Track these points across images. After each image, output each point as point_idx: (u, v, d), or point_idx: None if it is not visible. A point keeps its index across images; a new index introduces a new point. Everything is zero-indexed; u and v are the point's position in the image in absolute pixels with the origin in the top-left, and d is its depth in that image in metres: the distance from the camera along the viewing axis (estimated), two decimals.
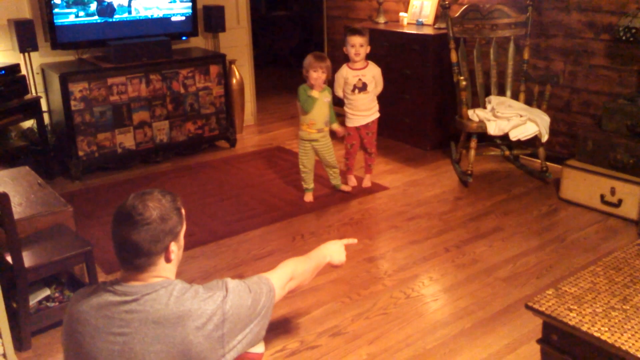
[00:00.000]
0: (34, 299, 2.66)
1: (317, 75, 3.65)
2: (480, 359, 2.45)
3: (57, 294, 2.74)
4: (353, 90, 3.91)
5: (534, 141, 4.08)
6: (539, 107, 4.11)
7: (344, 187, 4.07)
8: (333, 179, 4.04)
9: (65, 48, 4.43)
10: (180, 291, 1.57)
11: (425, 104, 4.77)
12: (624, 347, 1.70)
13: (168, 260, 1.59)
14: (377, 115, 4.03)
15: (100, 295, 1.57)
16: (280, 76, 7.93)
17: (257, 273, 3.07)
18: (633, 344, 1.71)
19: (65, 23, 4.32)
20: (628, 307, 1.88)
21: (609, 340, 1.74)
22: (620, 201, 3.58)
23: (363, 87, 3.90)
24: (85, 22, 4.42)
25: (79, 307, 1.58)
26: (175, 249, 1.60)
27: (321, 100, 3.73)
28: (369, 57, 3.94)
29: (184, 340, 1.51)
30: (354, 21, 5.74)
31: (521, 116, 3.89)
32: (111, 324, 1.53)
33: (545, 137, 3.93)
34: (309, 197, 3.96)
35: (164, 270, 1.59)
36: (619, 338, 1.74)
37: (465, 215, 3.74)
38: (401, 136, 5.03)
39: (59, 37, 4.32)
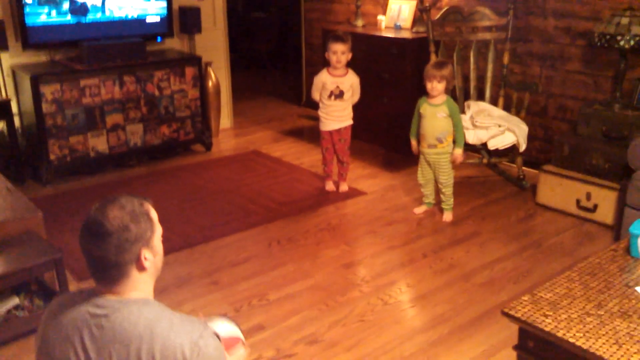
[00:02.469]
0: (2, 308, 2.59)
1: (431, 85, 3.46)
2: None
3: (26, 303, 2.67)
4: (330, 96, 3.89)
5: (512, 149, 4.09)
6: (517, 114, 4.13)
7: (446, 217, 3.71)
8: (442, 202, 3.72)
9: (36, 49, 4.34)
10: (154, 314, 1.49)
11: (403, 108, 4.76)
12: (598, 353, 1.70)
13: (142, 269, 1.51)
14: (350, 122, 4.01)
15: (77, 305, 1.51)
16: (257, 79, 7.88)
17: (233, 279, 3.06)
18: (607, 349, 1.71)
19: (37, 23, 4.23)
20: (603, 313, 1.89)
21: (584, 346, 1.73)
22: (595, 206, 3.61)
23: (340, 95, 3.88)
24: (58, 22, 4.33)
25: (56, 315, 1.53)
26: (150, 256, 1.53)
27: (431, 114, 3.52)
28: (349, 62, 3.93)
29: None
30: (331, 24, 5.72)
31: (500, 126, 3.90)
32: (81, 336, 1.47)
33: (523, 147, 3.94)
34: (419, 209, 3.81)
35: (139, 282, 1.52)
36: (594, 343, 1.74)
37: (443, 220, 3.73)
38: (379, 140, 5.02)
39: (30, 38, 4.23)
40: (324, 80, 3.89)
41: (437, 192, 3.78)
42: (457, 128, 3.57)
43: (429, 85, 3.50)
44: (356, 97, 4.00)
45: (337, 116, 3.94)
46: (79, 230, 1.50)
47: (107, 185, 4.30)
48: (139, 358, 1.43)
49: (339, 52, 3.80)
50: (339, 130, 3.99)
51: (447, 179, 3.65)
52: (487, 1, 4.42)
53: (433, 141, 3.56)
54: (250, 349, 2.48)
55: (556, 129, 4.30)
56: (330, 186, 4.16)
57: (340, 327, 2.68)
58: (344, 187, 4.15)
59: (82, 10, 4.41)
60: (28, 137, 4.41)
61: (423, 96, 3.60)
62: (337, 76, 3.88)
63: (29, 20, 4.19)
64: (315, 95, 3.98)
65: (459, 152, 3.59)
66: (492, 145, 3.90)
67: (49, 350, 1.51)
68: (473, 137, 3.90)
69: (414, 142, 3.72)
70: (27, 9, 4.16)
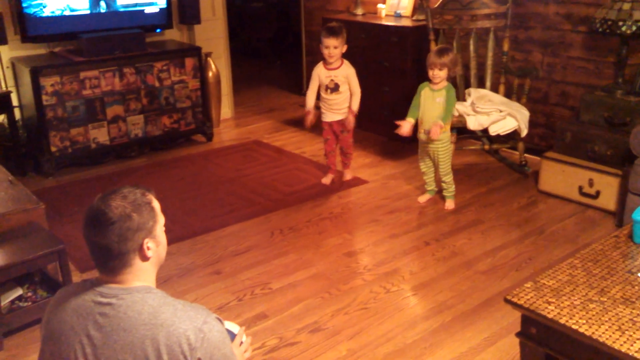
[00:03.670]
0: (6, 299, 2.60)
1: (432, 73, 3.47)
2: (460, 353, 2.44)
3: (29, 294, 2.68)
4: (326, 90, 3.86)
5: (514, 135, 4.09)
6: (518, 100, 4.11)
7: (448, 205, 3.72)
8: (443, 189, 3.74)
9: (36, 41, 4.32)
10: (158, 302, 1.50)
11: (404, 96, 4.74)
12: (601, 339, 1.71)
13: (144, 258, 1.53)
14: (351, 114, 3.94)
15: (81, 294, 1.52)
16: (257, 68, 7.85)
17: (235, 269, 3.06)
18: (610, 336, 1.72)
19: (36, 15, 4.21)
20: (605, 299, 1.89)
21: (587, 333, 1.74)
22: (598, 192, 3.60)
23: (335, 88, 3.84)
24: (56, 14, 4.31)
25: (61, 304, 1.54)
26: (153, 245, 1.54)
27: (430, 99, 3.53)
28: (346, 52, 3.88)
29: (153, 354, 1.45)
30: (331, 12, 5.69)
31: (501, 111, 3.89)
32: (86, 325, 1.48)
33: (524, 132, 3.93)
34: (422, 198, 3.82)
35: (142, 271, 1.53)
36: (597, 330, 1.74)
37: (445, 208, 3.73)
38: (380, 129, 5.01)
39: (30, 30, 4.21)
40: (319, 74, 3.86)
41: (439, 179, 3.78)
42: (447, 109, 3.53)
43: (430, 73, 3.50)
44: (355, 90, 3.85)
45: (335, 110, 3.92)
46: (83, 220, 1.51)
47: (109, 176, 4.30)
48: (144, 345, 1.44)
49: (331, 46, 3.75)
50: (339, 121, 3.97)
51: (446, 167, 3.65)
52: None
53: (429, 126, 3.55)
54: (253, 337, 2.50)
55: (558, 115, 4.28)
56: (327, 180, 4.11)
57: (343, 316, 2.68)
58: (347, 176, 4.14)
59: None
60: (29, 130, 4.40)
61: (426, 81, 3.59)
62: (331, 69, 3.83)
63: (28, 13, 4.17)
64: (311, 87, 3.94)
65: (440, 122, 3.50)
66: (493, 131, 3.89)
67: (55, 340, 1.52)
68: (474, 122, 3.89)
69: (407, 121, 3.58)
70: (26, 2, 4.14)
